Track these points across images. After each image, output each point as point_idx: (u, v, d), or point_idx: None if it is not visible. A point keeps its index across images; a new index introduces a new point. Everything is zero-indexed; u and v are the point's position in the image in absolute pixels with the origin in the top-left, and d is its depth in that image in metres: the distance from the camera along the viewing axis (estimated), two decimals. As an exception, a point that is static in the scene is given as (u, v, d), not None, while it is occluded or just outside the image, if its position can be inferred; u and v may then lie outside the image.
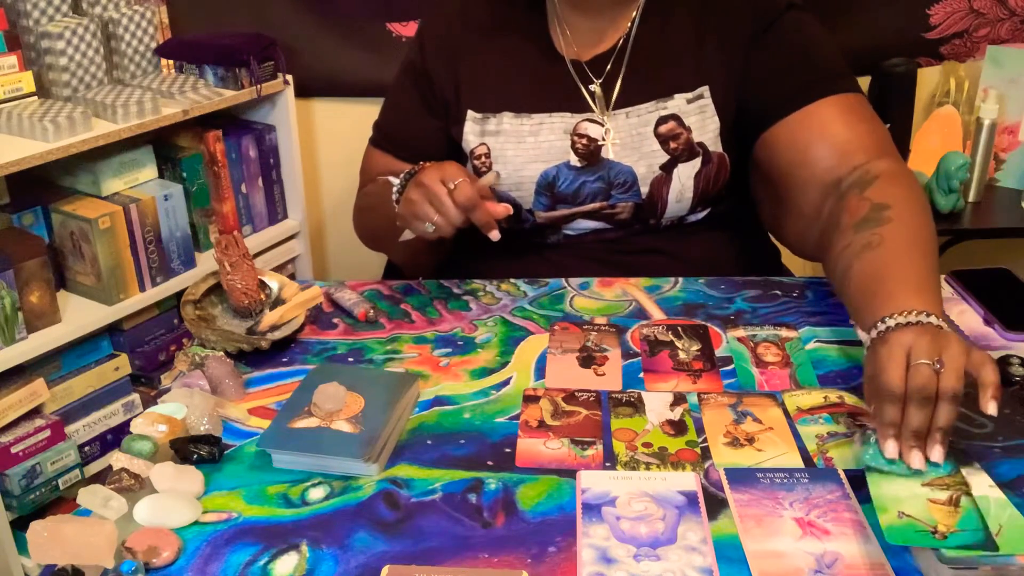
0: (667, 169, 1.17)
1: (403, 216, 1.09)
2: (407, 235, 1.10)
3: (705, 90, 1.18)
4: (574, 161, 1.19)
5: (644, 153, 1.18)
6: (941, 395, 0.78)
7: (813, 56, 1.16)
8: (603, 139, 1.18)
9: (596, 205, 1.20)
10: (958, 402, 0.78)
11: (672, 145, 1.17)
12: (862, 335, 0.89)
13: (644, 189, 1.18)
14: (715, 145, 1.18)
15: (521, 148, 1.20)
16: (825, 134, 1.10)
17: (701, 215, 1.23)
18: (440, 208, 1.04)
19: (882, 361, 0.81)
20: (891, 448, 0.78)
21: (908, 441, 0.78)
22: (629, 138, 1.18)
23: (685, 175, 1.17)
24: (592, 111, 1.20)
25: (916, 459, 0.77)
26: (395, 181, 1.14)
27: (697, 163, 1.17)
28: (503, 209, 1.04)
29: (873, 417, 0.81)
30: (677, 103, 1.18)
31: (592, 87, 1.20)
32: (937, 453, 0.77)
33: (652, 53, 1.20)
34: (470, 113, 1.23)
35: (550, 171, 1.19)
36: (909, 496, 0.74)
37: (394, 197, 1.13)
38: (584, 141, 1.18)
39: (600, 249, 1.23)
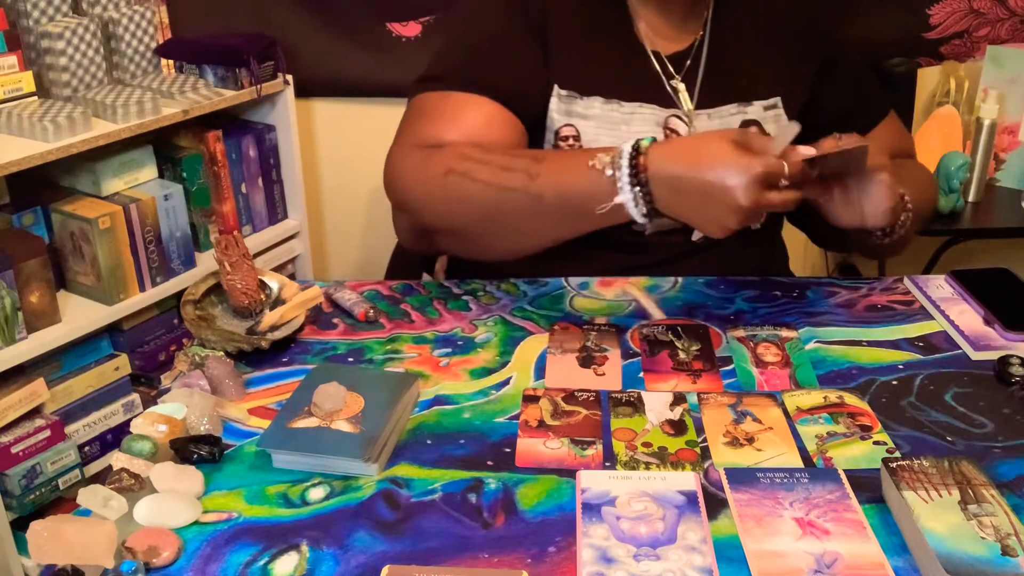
0: None
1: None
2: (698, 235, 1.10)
3: (778, 101, 1.20)
4: None
5: None
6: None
7: (869, 83, 1.31)
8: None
9: None
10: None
11: None
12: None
13: None
14: None
15: (615, 136, 1.15)
16: (883, 149, 1.12)
17: None
18: (777, 208, 0.95)
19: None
20: None
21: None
22: None
23: None
24: (675, 107, 1.18)
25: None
26: (624, 198, 0.96)
27: None
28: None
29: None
30: (756, 109, 1.19)
31: (674, 82, 1.19)
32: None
33: (728, 57, 1.20)
34: (556, 88, 1.18)
35: None
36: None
37: (640, 211, 0.96)
38: (675, 137, 1.16)
39: (637, 239, 1.17)
